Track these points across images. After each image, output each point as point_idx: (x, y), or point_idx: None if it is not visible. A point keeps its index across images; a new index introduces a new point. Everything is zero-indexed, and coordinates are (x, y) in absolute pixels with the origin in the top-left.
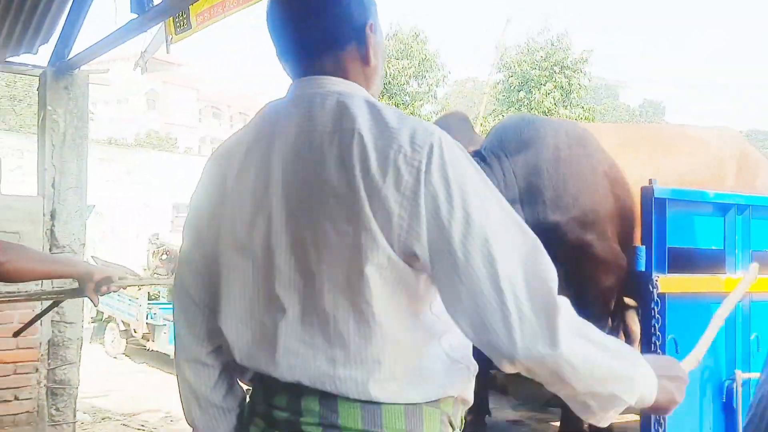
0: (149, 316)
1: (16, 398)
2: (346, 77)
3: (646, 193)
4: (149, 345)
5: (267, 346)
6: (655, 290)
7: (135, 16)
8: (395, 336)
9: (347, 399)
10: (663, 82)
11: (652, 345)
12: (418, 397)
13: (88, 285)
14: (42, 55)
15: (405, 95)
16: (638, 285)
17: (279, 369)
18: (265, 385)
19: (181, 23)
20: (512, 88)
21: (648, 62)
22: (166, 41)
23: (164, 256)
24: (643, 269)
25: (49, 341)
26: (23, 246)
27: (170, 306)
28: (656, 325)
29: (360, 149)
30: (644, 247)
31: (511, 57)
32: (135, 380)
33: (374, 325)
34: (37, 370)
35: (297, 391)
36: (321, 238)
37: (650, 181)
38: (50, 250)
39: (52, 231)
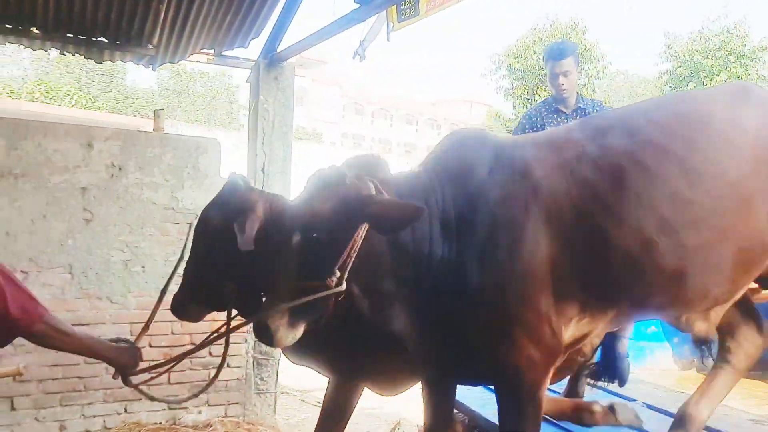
0: None
1: (228, 365)
2: None
3: None
4: None
5: None
6: None
7: (357, 6)
8: None
9: None
10: None
11: None
12: None
13: None
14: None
15: None
16: None
17: None
18: None
19: (407, 11)
20: (681, 78)
21: None
22: (387, 30)
23: None
24: None
25: None
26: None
27: None
28: None
29: None
30: None
31: (681, 45)
32: None
33: None
34: (246, 340)
35: None
36: None
37: None
38: None
39: None
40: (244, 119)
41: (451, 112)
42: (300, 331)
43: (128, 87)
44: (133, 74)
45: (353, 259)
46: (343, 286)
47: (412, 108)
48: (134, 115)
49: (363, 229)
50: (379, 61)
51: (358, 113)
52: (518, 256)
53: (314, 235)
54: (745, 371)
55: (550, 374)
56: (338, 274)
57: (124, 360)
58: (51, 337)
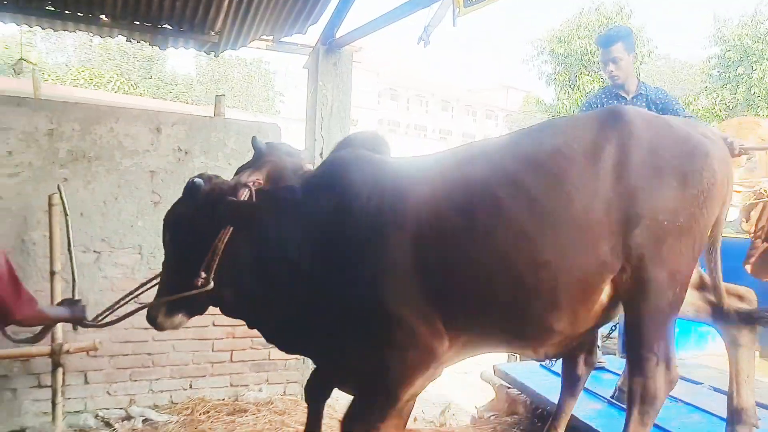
0: None
1: None
2: None
3: None
4: None
5: None
6: None
7: None
8: None
9: None
10: None
11: None
12: None
13: None
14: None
15: None
16: None
17: None
18: None
19: None
20: (729, 63)
21: None
22: (453, 14)
23: None
24: None
25: None
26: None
27: None
28: None
29: None
30: None
31: (731, 29)
32: None
33: None
34: None
35: None
36: None
37: None
38: None
39: None
40: (281, 105)
41: (487, 99)
42: (178, 319)
43: (167, 74)
44: (173, 61)
45: (216, 262)
46: (210, 286)
47: (447, 94)
48: (174, 101)
49: (225, 234)
50: (411, 49)
51: (394, 99)
52: (381, 268)
53: (178, 237)
54: (755, 342)
55: (426, 370)
56: (203, 275)
57: (77, 315)
58: (32, 318)
